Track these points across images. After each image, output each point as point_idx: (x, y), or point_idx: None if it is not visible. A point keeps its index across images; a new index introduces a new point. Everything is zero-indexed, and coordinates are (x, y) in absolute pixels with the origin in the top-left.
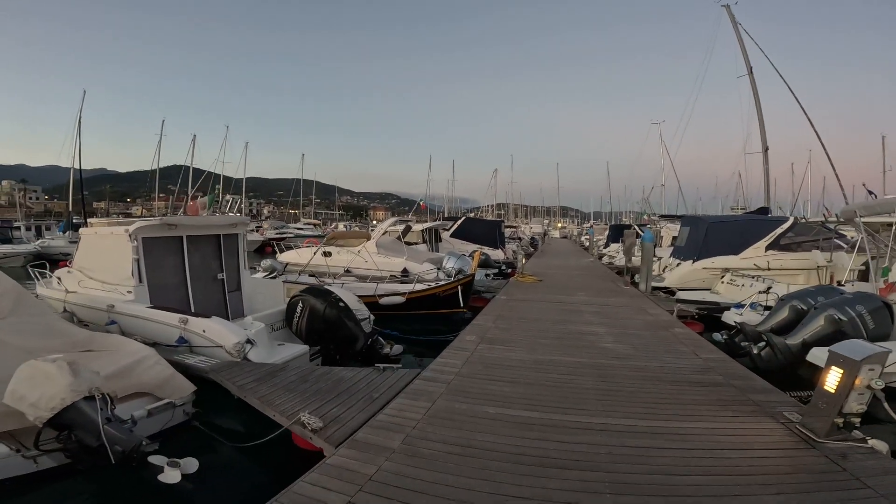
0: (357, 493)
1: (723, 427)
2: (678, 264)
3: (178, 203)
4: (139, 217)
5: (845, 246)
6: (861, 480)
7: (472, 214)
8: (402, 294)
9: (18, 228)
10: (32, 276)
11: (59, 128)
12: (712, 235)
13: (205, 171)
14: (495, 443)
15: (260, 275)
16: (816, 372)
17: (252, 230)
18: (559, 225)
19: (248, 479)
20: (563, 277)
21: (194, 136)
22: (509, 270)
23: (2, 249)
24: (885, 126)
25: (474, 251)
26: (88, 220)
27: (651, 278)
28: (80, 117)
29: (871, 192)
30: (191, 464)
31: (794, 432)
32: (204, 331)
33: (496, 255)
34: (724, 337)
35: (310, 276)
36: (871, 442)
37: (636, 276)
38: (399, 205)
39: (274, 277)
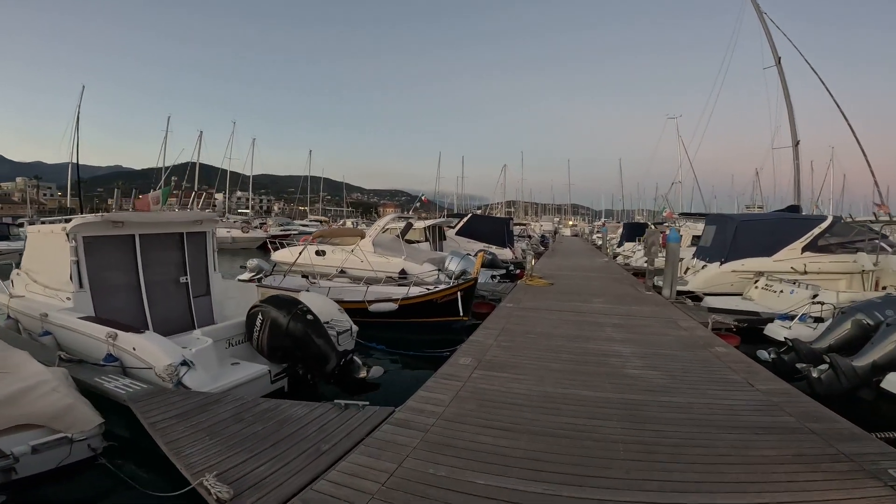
0: None
1: (816, 502)
2: (704, 266)
3: (187, 200)
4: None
5: (889, 249)
6: None
7: (479, 211)
8: (395, 300)
9: (21, 225)
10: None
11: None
12: (742, 235)
13: (218, 168)
14: None
15: (246, 275)
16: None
17: (255, 227)
18: (570, 223)
19: None
20: (576, 280)
21: (201, 132)
22: (517, 271)
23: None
24: None
25: (480, 251)
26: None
27: (676, 283)
28: (79, 113)
29: None
30: None
31: None
32: (134, 348)
33: (504, 254)
34: (772, 355)
35: (302, 276)
36: None
37: (656, 277)
38: (409, 202)
39: (260, 279)
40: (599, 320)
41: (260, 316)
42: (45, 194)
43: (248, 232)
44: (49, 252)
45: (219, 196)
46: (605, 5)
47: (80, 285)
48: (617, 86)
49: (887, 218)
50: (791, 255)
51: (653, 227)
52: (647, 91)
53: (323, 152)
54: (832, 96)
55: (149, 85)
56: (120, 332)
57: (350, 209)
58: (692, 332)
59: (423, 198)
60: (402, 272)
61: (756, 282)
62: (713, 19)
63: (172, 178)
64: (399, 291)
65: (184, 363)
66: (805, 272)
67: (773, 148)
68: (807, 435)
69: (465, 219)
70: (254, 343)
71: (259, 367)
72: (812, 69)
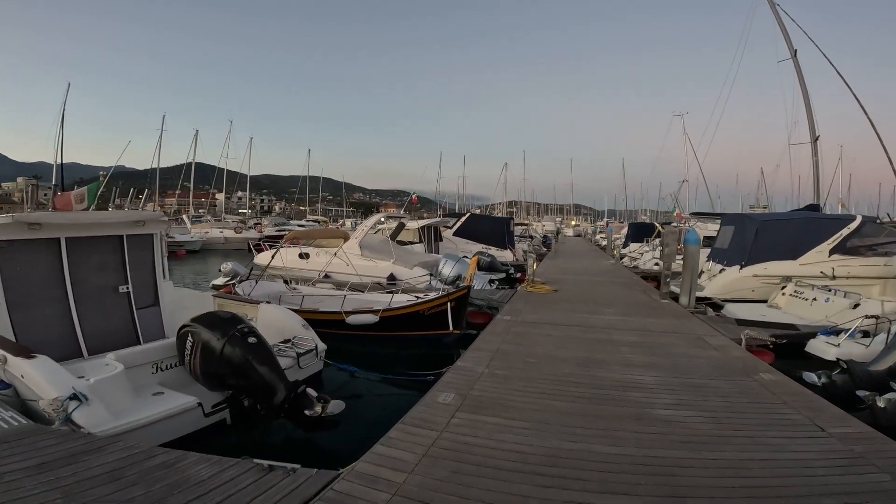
0: None
1: None
2: (721, 270)
3: (196, 198)
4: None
5: None
6: None
7: (477, 210)
8: (376, 312)
9: None
10: None
11: (78, 125)
12: (764, 237)
13: (223, 168)
14: None
15: (220, 280)
16: None
17: (250, 227)
18: (573, 223)
19: None
20: (582, 286)
21: (196, 131)
22: (518, 275)
23: None
24: None
25: (477, 254)
26: None
27: (695, 290)
28: (64, 111)
29: None
30: None
31: None
32: (22, 375)
33: (504, 256)
34: (823, 379)
35: (283, 281)
36: None
37: (672, 283)
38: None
39: (234, 285)
40: (613, 337)
41: (190, 338)
42: (45, 194)
43: (241, 232)
44: None
45: (220, 196)
46: (606, 2)
47: None
48: (620, 85)
49: None
50: (818, 258)
51: (672, 226)
52: (650, 90)
53: (325, 153)
54: (851, 90)
55: (153, 85)
56: (9, 356)
57: (351, 209)
58: (726, 353)
59: (413, 197)
60: (391, 277)
61: (783, 288)
62: (721, 15)
63: (101, 173)
64: (382, 301)
65: (73, 397)
66: (833, 277)
67: (789, 144)
68: None
69: (464, 218)
70: (187, 368)
71: (186, 399)
72: (829, 62)
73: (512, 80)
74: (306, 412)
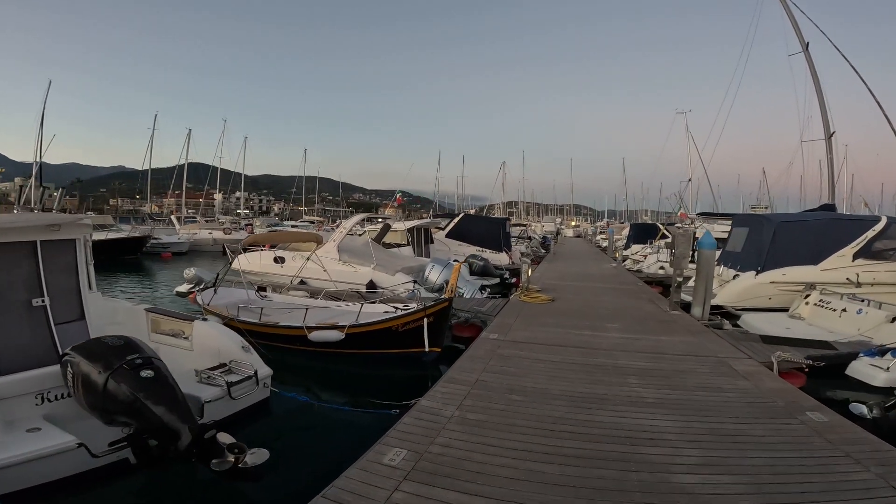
0: None
1: None
2: (735, 276)
3: (194, 199)
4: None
5: None
6: None
7: (472, 211)
8: (341, 328)
9: None
10: None
11: (78, 125)
12: (782, 239)
13: (229, 170)
14: None
15: (184, 287)
16: None
17: (239, 228)
18: (573, 223)
19: None
20: (583, 293)
21: (189, 130)
22: (514, 279)
23: None
24: None
25: (469, 257)
26: None
27: (710, 300)
28: (45, 109)
29: None
30: None
31: None
32: None
33: (499, 259)
34: (875, 413)
35: (259, 288)
36: None
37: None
38: (411, 202)
39: (196, 293)
40: (619, 362)
41: (69, 369)
42: (50, 195)
43: (230, 233)
44: None
45: (218, 196)
46: (605, 1)
47: None
48: (620, 84)
49: None
50: (841, 263)
51: (680, 227)
52: (651, 89)
53: (325, 153)
54: (865, 84)
55: (155, 86)
56: None
57: (350, 209)
58: (758, 382)
59: (397, 197)
60: (371, 284)
61: (806, 296)
62: (722, 12)
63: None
64: (350, 314)
65: None
66: (858, 283)
67: (802, 141)
68: None
69: (457, 219)
70: (77, 401)
71: (63, 438)
72: (843, 56)
73: (511, 81)
74: (213, 464)
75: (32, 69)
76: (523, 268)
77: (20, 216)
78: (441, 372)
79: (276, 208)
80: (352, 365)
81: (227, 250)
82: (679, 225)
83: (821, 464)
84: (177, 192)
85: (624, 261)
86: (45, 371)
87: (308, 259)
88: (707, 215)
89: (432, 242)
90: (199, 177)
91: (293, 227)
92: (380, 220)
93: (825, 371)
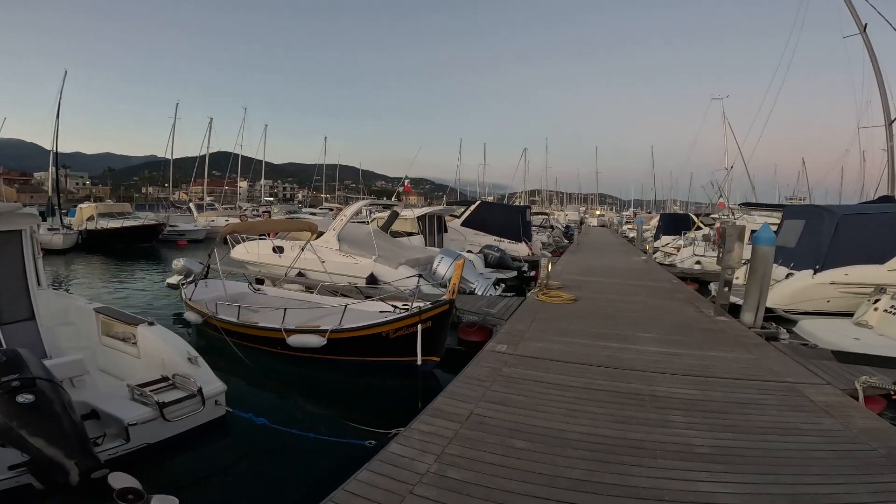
0: None
1: None
2: (787, 275)
3: (219, 186)
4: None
5: None
6: None
7: (490, 198)
8: (322, 333)
9: None
10: None
11: (112, 117)
12: (845, 234)
13: (252, 158)
14: None
15: (174, 279)
16: None
17: (257, 215)
18: (597, 212)
19: None
20: (609, 292)
21: (211, 119)
22: (532, 272)
23: None
24: None
25: (486, 247)
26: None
27: (764, 304)
28: (61, 99)
29: None
30: None
31: None
32: None
33: (517, 250)
34: None
35: (256, 281)
36: None
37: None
38: (433, 190)
39: (183, 285)
40: (657, 389)
41: None
42: (76, 183)
43: (247, 221)
44: None
45: (243, 184)
46: None
47: None
48: (648, 71)
49: None
50: None
51: (725, 219)
52: (681, 76)
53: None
54: None
55: (173, 78)
56: None
57: (372, 196)
58: (846, 420)
59: (405, 184)
60: (371, 277)
61: (875, 301)
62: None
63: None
64: (334, 316)
65: None
66: None
67: (858, 128)
68: None
69: (473, 207)
70: None
71: None
72: None
73: (536, 70)
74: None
75: (67, 66)
76: (542, 262)
77: None
78: (441, 383)
79: (299, 195)
80: (336, 372)
81: (228, 239)
82: (716, 216)
83: None
84: (199, 181)
85: (654, 253)
86: None
87: (303, 249)
88: (751, 205)
89: (446, 231)
90: (224, 165)
91: (311, 213)
92: (385, 206)
93: None
